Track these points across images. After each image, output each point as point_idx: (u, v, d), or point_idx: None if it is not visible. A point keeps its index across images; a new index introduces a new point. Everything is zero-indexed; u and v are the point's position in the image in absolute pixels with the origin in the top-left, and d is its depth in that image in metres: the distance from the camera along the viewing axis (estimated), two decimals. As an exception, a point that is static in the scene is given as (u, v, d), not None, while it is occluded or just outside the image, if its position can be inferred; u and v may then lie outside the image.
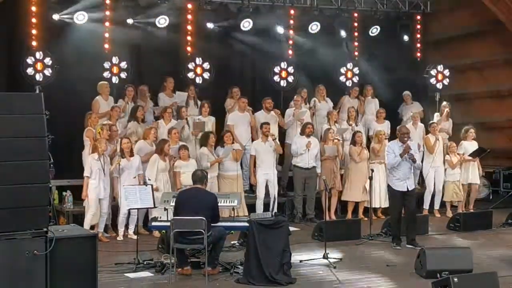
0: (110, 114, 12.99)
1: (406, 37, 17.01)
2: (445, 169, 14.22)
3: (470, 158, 14.23)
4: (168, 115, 13.30)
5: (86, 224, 11.35)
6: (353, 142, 13.78)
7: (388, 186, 11.56)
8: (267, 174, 13.18)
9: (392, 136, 13.41)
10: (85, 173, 11.61)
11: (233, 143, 12.96)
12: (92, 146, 11.85)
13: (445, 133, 15.09)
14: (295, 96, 14.61)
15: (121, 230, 11.95)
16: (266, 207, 12.96)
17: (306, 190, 13.60)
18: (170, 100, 14.04)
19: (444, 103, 15.58)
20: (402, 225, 11.31)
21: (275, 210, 10.08)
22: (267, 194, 13.21)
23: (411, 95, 16.13)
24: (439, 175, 14.24)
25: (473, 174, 14.39)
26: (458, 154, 14.26)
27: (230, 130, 13.31)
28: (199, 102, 14.24)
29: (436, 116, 15.37)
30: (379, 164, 13.60)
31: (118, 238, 11.88)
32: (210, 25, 15.08)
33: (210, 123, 13.73)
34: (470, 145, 14.39)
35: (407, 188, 11.17)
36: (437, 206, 14.43)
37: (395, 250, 11.06)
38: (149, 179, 11.57)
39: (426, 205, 14.31)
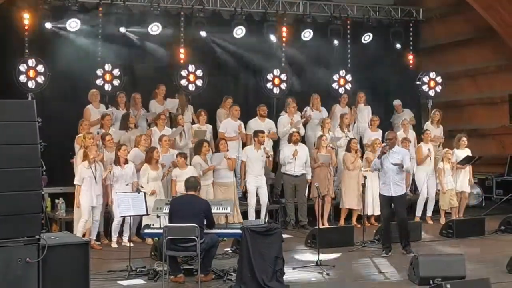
0: (102, 122, 12.93)
1: (398, 44, 17.03)
2: (437, 176, 14.19)
3: (460, 165, 14.23)
4: (162, 122, 13.27)
5: (79, 232, 11.28)
6: (348, 149, 13.78)
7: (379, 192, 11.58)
8: (257, 182, 13.15)
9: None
10: (75, 181, 11.58)
11: (227, 150, 12.93)
12: (83, 154, 11.79)
13: (439, 138, 15.09)
14: (289, 102, 14.55)
15: (114, 237, 11.89)
16: (258, 214, 12.97)
17: (296, 197, 13.60)
18: (161, 107, 13.98)
19: (434, 110, 15.57)
20: (391, 231, 11.26)
21: (267, 217, 10.06)
22: (258, 201, 13.20)
23: (401, 104, 16.14)
24: (432, 182, 14.25)
25: (464, 182, 14.37)
26: (452, 162, 14.24)
27: (224, 138, 13.27)
28: (190, 107, 14.20)
29: (426, 126, 15.34)
30: (372, 171, 13.60)
31: (111, 246, 11.83)
32: (203, 33, 15.07)
33: (208, 131, 13.73)
34: (462, 153, 14.34)
35: (391, 194, 11.08)
36: (429, 213, 14.41)
37: (390, 257, 10.99)
38: (141, 186, 11.53)
39: (418, 213, 14.27)
